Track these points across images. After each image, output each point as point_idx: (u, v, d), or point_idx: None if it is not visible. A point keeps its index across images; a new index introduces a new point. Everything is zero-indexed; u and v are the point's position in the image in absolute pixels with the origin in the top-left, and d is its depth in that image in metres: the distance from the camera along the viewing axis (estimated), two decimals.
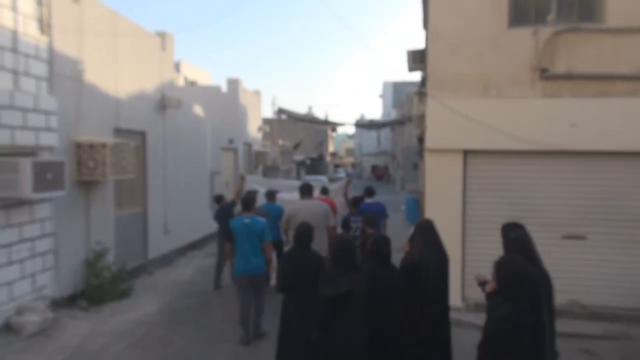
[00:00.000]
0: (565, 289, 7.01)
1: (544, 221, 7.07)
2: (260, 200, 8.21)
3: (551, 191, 7.08)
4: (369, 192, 8.58)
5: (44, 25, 6.52)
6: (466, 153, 7.17)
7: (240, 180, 9.08)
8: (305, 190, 7.02)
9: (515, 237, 4.11)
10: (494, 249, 7.14)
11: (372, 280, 3.98)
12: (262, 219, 6.20)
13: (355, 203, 8.00)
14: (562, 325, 6.61)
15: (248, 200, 6.40)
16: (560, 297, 6.94)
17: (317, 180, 16.28)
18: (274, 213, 7.54)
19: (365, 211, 7.53)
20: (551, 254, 7.05)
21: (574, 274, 7.02)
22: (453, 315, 6.90)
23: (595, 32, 6.77)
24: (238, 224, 6.06)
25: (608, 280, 6.95)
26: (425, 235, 4.61)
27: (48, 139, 6.46)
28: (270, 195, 8.17)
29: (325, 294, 3.73)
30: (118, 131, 8.28)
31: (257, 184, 9.54)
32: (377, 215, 7.27)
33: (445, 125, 7.06)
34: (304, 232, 4.67)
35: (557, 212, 7.07)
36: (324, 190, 8.92)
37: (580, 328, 6.59)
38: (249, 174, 12.74)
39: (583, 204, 7.01)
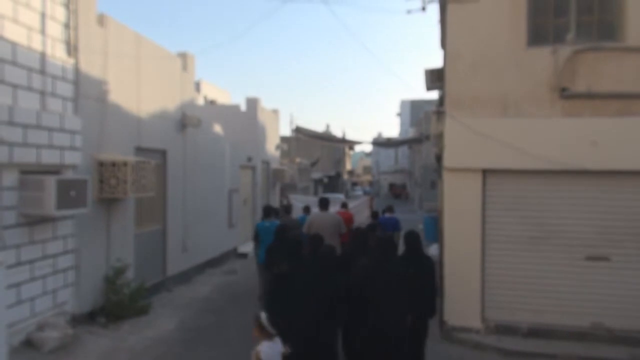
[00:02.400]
0: (590, 311, 6.85)
1: (566, 242, 6.94)
2: (297, 213, 10.86)
3: (572, 211, 6.95)
4: (389, 208, 11.49)
5: (71, 48, 6.73)
6: (485, 172, 7.11)
7: (287, 197, 12.63)
8: (323, 204, 8.73)
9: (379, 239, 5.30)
10: (515, 269, 7.07)
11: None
12: (278, 222, 8.28)
13: (374, 216, 11.04)
14: (586, 350, 6.47)
15: (267, 210, 8.72)
16: (584, 320, 6.82)
17: (336, 198, 18.79)
18: None
19: (383, 223, 10.20)
20: (574, 275, 6.93)
21: (598, 296, 6.85)
22: (472, 337, 6.84)
23: (615, 50, 6.71)
24: (262, 226, 8.39)
25: (635, 302, 6.75)
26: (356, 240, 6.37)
27: (72, 158, 6.62)
28: (306, 209, 10.71)
29: (273, 272, 5.56)
30: (139, 150, 8.43)
31: (297, 200, 12.81)
32: (391, 229, 10.19)
33: (464, 144, 7.03)
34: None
35: (579, 233, 6.93)
36: (344, 205, 11.72)
37: (605, 352, 6.40)
38: (292, 194, 17.38)
39: (605, 224, 6.87)
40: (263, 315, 4.01)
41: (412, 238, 5.58)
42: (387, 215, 11.02)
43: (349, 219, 9.66)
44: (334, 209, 10.37)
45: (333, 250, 5.22)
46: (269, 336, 3.97)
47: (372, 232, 6.55)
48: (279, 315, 4.18)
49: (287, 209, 10.37)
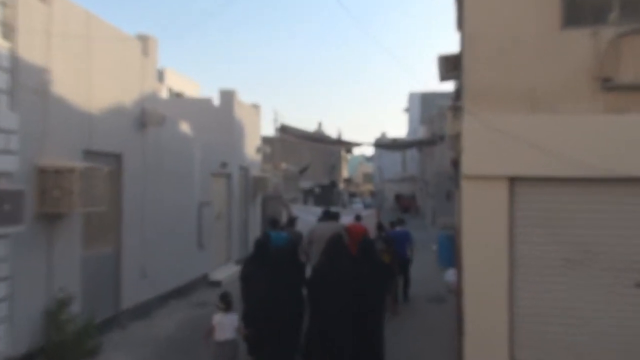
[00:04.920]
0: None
1: (612, 265, 6.98)
2: (303, 224, 12.35)
3: (620, 227, 7.00)
4: (400, 221, 13.03)
5: (8, 29, 6.72)
6: (512, 180, 7.17)
7: (287, 207, 15.77)
8: (330, 216, 11.55)
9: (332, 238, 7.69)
10: (550, 299, 7.12)
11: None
12: (285, 233, 10.47)
13: (379, 228, 11.75)
14: None
15: (274, 222, 11.34)
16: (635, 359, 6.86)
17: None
18: None
19: (393, 237, 11.45)
20: (621, 307, 6.97)
21: None
22: None
23: None
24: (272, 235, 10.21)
25: None
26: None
27: (7, 163, 6.58)
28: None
29: (242, 271, 8.49)
30: (89, 153, 8.42)
31: (299, 211, 14.69)
32: (403, 241, 11.72)
33: (486, 147, 7.10)
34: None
35: (628, 255, 6.96)
36: (357, 217, 12.65)
37: None
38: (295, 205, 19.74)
39: None
40: (217, 295, 6.55)
41: (367, 244, 7.94)
42: (398, 228, 12.15)
43: (363, 233, 10.41)
44: (347, 219, 12.19)
45: (291, 252, 7.77)
46: (224, 309, 6.78)
47: (388, 246, 8.56)
48: (248, 300, 7.54)
49: (292, 221, 12.37)
